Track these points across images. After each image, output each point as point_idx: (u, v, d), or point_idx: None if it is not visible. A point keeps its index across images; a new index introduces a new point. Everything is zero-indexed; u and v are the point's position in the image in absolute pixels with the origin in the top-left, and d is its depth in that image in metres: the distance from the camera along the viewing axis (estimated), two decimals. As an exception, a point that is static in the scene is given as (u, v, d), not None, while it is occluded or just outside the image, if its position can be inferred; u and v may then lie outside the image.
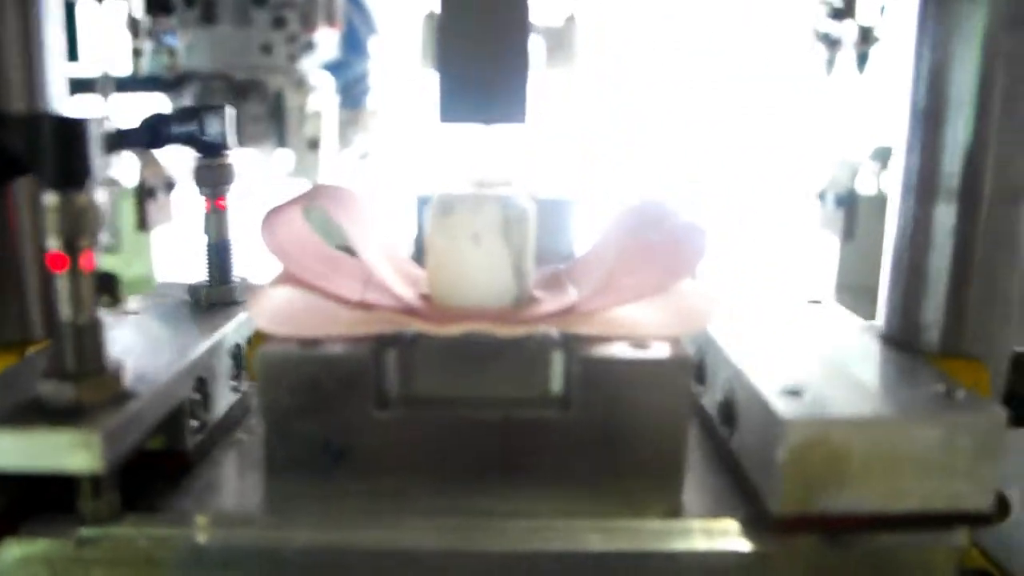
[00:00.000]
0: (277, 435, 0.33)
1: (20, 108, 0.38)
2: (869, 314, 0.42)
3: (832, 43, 1.10)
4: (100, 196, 0.30)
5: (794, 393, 0.32)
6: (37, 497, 0.32)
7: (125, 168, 0.89)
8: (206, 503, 0.33)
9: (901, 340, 0.38)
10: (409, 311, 0.34)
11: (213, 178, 0.43)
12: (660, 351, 0.33)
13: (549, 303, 0.35)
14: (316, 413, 0.33)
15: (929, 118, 0.36)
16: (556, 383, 0.34)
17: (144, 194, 0.89)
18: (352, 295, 0.34)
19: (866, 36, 1.06)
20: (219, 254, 0.44)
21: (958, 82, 0.35)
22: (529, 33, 0.33)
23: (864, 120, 1.10)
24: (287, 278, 0.36)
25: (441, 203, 0.35)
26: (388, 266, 0.37)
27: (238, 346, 0.42)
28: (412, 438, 0.33)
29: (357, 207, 0.39)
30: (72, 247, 0.29)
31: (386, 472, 0.33)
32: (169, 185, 0.96)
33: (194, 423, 0.36)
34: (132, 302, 0.44)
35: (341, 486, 0.33)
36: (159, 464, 0.35)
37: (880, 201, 1.04)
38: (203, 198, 0.44)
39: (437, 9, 0.33)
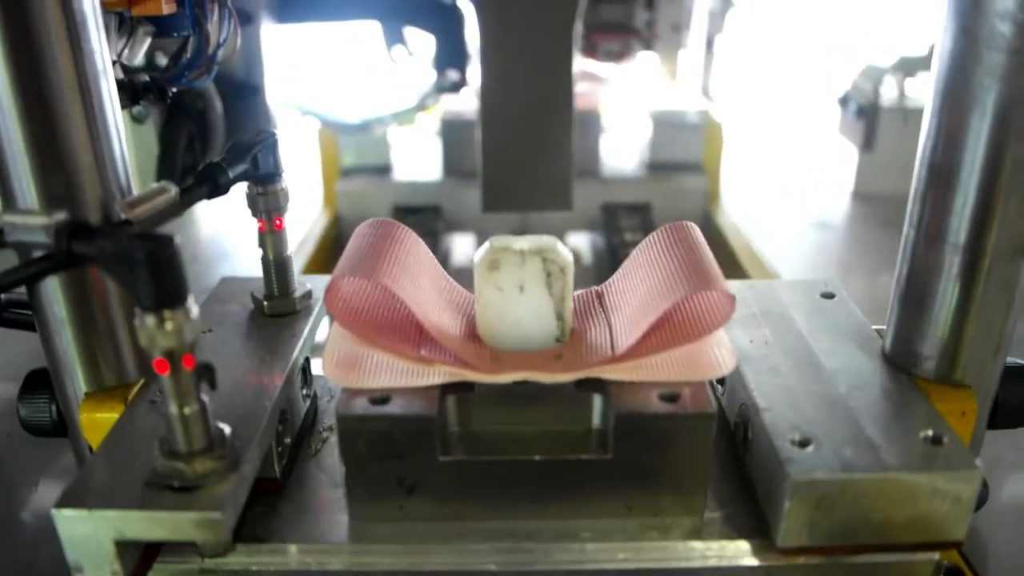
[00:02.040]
0: (355, 477, 0.38)
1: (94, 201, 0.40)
2: (883, 220, 0.45)
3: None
4: (191, 306, 0.33)
5: (802, 444, 0.36)
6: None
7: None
8: (299, 528, 0.40)
9: (901, 364, 0.42)
10: (464, 363, 0.39)
11: (268, 204, 0.46)
12: (687, 404, 0.37)
13: (589, 350, 0.40)
14: (388, 459, 0.38)
15: (941, 176, 0.38)
16: (598, 422, 0.39)
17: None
18: (410, 353, 0.39)
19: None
20: (278, 270, 0.48)
21: (971, 148, 0.37)
22: (572, 123, 0.35)
23: (891, 28, 1.06)
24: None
25: (489, 260, 0.39)
26: (443, 313, 0.41)
27: (307, 359, 0.46)
28: (472, 474, 0.39)
29: (405, 244, 0.43)
30: (173, 356, 0.33)
31: (449, 502, 0.39)
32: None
33: (279, 449, 0.42)
34: (202, 311, 0.48)
35: (412, 515, 0.39)
36: (254, 489, 0.40)
37: (901, 112, 1.04)
38: (257, 219, 0.47)
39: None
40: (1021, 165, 0.36)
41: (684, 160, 0.90)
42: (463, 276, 0.43)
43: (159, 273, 0.32)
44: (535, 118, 0.34)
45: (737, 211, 0.88)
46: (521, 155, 0.35)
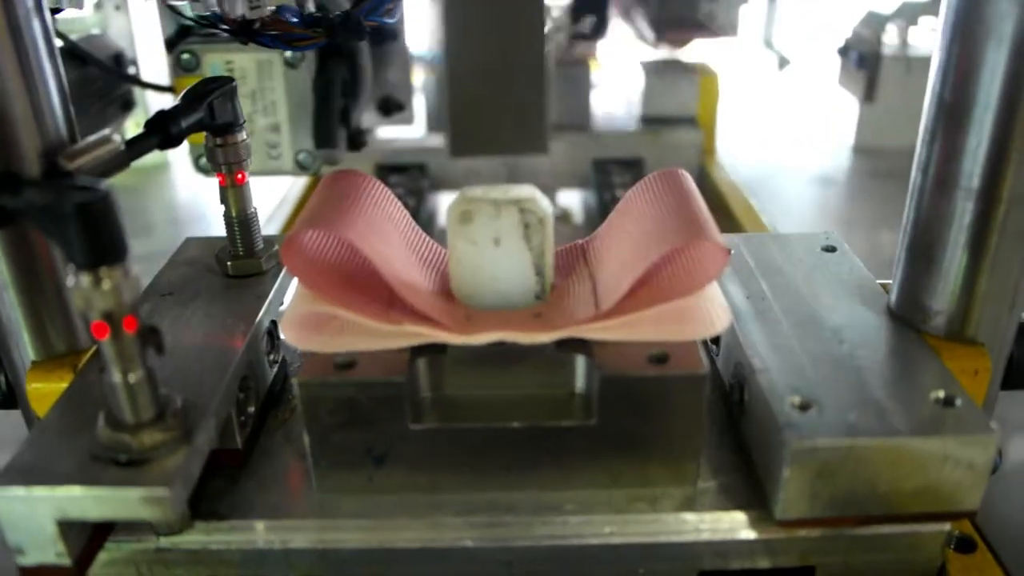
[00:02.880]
0: (320, 447, 0.36)
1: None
2: (885, 173, 0.42)
3: None
4: (130, 265, 0.30)
5: (803, 408, 0.34)
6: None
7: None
8: (263, 503, 0.37)
9: (909, 320, 0.39)
10: (436, 323, 0.36)
11: (227, 156, 0.43)
12: (679, 365, 0.34)
13: (571, 307, 0.37)
14: (355, 428, 0.35)
15: (952, 115, 0.35)
16: (581, 386, 0.36)
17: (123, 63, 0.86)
18: (378, 313, 0.36)
19: None
20: (241, 227, 0.45)
21: (986, 84, 0.34)
22: (546, 58, 0.32)
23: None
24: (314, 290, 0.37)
25: (461, 211, 0.36)
26: (414, 270, 0.38)
27: (273, 323, 0.44)
28: (445, 443, 0.36)
29: (372, 195, 0.39)
30: (112, 318, 0.30)
31: (422, 473, 0.36)
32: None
33: (241, 419, 0.39)
34: (162, 274, 0.45)
35: (382, 487, 0.36)
36: (214, 462, 0.38)
37: (904, 61, 0.99)
38: (216, 173, 0.44)
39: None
40: (1041, 101, 0.33)
41: (678, 114, 0.86)
42: (441, 241, 0.40)
43: (93, 226, 0.29)
44: (504, 54, 0.31)
45: (733, 166, 0.85)
46: (491, 95, 0.31)
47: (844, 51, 1.05)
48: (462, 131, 0.32)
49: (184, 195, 1.03)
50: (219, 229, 0.46)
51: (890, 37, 1.00)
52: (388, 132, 0.85)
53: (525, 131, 0.32)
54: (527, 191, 0.36)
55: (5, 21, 0.35)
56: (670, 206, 0.38)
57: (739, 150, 1.01)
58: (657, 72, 0.86)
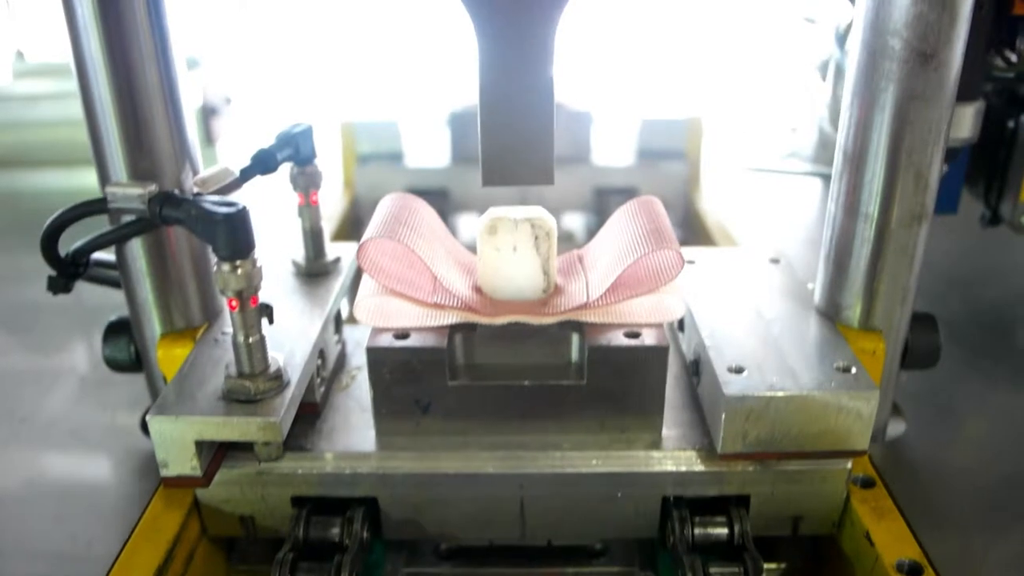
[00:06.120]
0: (381, 398, 0.48)
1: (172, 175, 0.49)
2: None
3: None
4: (257, 258, 0.43)
5: (738, 371, 0.46)
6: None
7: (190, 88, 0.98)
8: (335, 441, 0.49)
9: (827, 314, 0.52)
10: (468, 308, 0.48)
11: (306, 181, 0.56)
12: (647, 339, 0.47)
13: (569, 298, 0.49)
14: (407, 384, 0.48)
15: (854, 160, 0.48)
16: (575, 355, 0.49)
17: (207, 112, 1.00)
18: (427, 299, 0.48)
19: None
20: (313, 237, 0.57)
21: (875, 138, 0.46)
22: (554, 108, 0.44)
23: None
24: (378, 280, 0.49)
25: (488, 225, 0.48)
26: (451, 268, 0.51)
27: (339, 312, 0.56)
28: (474, 397, 0.48)
29: (420, 213, 0.52)
30: (241, 296, 0.43)
31: (457, 419, 0.49)
32: (227, 101, 1.06)
33: (318, 380, 0.51)
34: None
35: (426, 430, 0.49)
36: (298, 412, 0.50)
37: None
38: (297, 193, 0.56)
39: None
40: (912, 151, 0.46)
41: (668, 150, 0.99)
42: (468, 247, 0.52)
43: (234, 231, 0.42)
44: (522, 109, 0.43)
45: (717, 197, 0.97)
46: (512, 141, 0.44)
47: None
48: (491, 167, 0.45)
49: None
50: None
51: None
52: (417, 162, 0.98)
53: (538, 167, 0.45)
54: (537, 211, 0.49)
55: (160, 85, 0.48)
56: (643, 224, 0.50)
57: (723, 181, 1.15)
58: (651, 126, 0.99)
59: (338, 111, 0.98)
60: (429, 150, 0.99)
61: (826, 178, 1.17)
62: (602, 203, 0.99)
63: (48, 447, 0.67)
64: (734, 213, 0.94)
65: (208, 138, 1.01)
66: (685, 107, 1.02)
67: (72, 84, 0.47)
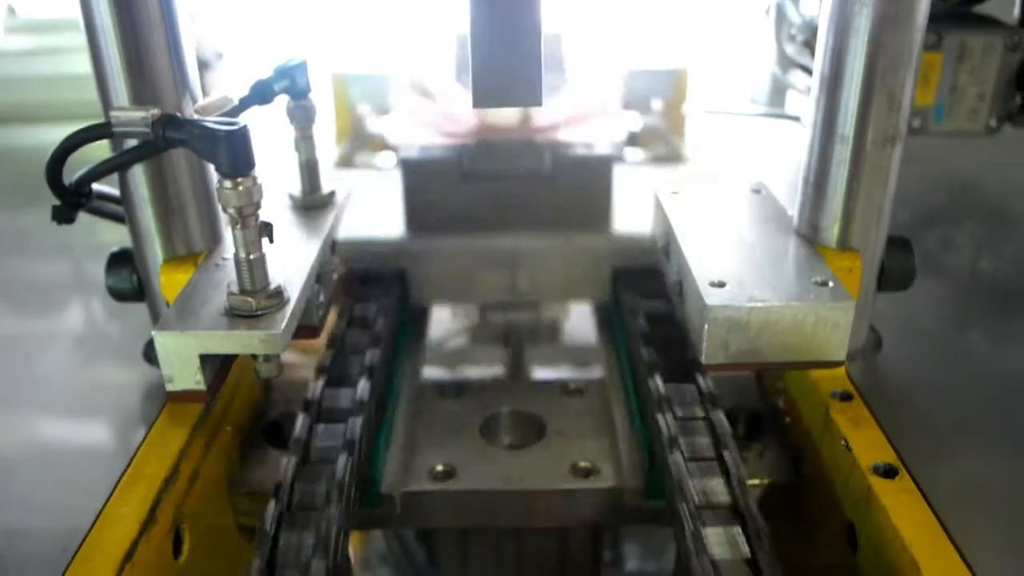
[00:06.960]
0: (413, 198, 0.66)
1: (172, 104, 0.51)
2: None
3: None
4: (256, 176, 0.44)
5: (720, 285, 0.48)
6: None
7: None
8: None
9: (806, 236, 0.54)
10: (472, 130, 0.61)
11: (301, 115, 0.57)
12: (599, 150, 0.67)
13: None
14: (430, 187, 0.60)
15: (831, 85, 0.49)
16: (547, 163, 0.63)
17: (199, 67, 1.00)
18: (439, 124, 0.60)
19: None
20: (309, 170, 0.59)
21: (851, 62, 0.48)
22: (541, 35, 0.46)
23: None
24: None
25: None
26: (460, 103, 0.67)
27: (334, 242, 0.58)
28: (479, 198, 0.66)
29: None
30: (242, 213, 0.44)
31: (465, 213, 0.66)
32: (219, 56, 1.07)
33: (317, 303, 0.53)
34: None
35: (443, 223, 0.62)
36: (297, 335, 0.51)
37: None
38: (293, 127, 0.58)
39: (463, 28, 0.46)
40: (886, 72, 0.47)
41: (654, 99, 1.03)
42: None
43: (235, 148, 0.43)
44: (510, 35, 0.45)
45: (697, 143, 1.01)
46: (501, 65, 0.46)
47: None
48: (481, 91, 0.47)
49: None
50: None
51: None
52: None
53: (525, 90, 0.47)
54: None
55: (158, 9, 0.49)
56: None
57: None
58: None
59: (330, 64, 0.99)
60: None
61: (783, 119, 1.23)
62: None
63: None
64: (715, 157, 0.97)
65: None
66: (664, 56, 1.04)
67: (64, 39, 0.49)
